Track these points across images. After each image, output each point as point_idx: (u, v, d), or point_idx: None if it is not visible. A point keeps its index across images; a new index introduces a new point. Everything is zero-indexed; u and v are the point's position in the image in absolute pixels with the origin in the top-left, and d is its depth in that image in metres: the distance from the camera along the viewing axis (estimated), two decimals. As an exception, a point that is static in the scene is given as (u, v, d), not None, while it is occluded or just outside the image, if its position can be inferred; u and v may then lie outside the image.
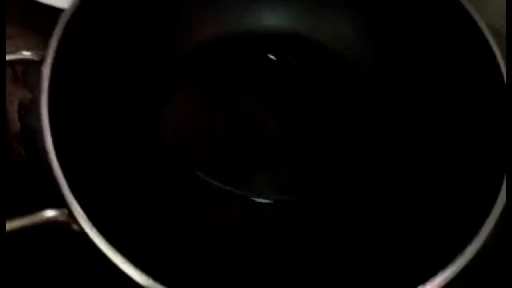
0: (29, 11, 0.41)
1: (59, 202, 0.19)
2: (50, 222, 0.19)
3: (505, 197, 0.23)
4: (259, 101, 0.37)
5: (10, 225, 0.18)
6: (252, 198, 0.31)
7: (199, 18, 0.36)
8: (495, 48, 0.27)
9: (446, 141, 0.31)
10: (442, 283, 0.20)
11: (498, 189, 0.23)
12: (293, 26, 0.38)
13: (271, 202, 0.31)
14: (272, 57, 0.39)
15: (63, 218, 0.19)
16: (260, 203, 0.31)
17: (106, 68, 0.29)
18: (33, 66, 0.39)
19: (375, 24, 0.36)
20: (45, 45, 0.41)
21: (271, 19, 0.38)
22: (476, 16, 0.27)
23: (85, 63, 0.27)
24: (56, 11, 0.39)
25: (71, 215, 0.18)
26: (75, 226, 0.18)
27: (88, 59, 0.28)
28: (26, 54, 0.38)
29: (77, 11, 0.25)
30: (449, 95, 0.32)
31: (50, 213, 0.19)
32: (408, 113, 0.34)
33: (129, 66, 0.31)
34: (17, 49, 0.40)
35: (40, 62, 0.39)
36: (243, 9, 0.37)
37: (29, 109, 0.37)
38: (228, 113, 0.37)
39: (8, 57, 0.38)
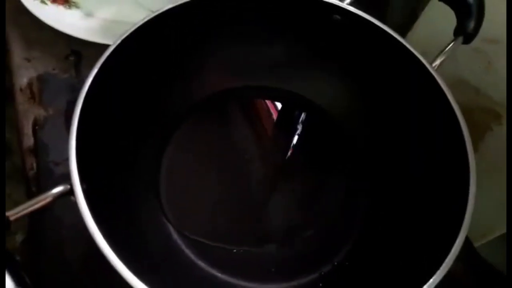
0: (50, 38, 0.45)
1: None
2: (59, 194, 0.25)
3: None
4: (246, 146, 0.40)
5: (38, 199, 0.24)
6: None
7: (208, 74, 0.40)
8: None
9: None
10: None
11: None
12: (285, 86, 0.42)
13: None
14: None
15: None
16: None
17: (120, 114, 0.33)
18: (49, 87, 0.44)
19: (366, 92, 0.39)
20: (61, 68, 0.46)
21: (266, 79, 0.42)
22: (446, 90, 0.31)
23: (104, 110, 0.31)
24: (73, 40, 0.44)
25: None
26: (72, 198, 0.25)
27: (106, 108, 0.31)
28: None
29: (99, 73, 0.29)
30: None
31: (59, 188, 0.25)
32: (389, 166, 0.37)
33: (140, 113, 0.36)
34: (36, 71, 0.44)
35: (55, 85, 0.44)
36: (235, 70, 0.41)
37: (43, 125, 0.41)
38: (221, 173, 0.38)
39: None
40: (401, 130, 0.36)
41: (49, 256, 0.33)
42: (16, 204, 0.24)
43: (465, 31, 0.34)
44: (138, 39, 0.32)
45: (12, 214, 0.23)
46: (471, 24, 0.33)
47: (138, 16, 0.33)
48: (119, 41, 0.31)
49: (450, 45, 0.34)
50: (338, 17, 0.36)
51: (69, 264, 0.33)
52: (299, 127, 0.42)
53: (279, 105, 0.43)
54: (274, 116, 0.43)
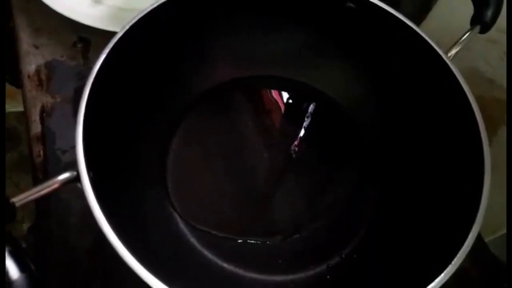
0: (58, 25, 0.45)
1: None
2: (66, 181, 0.25)
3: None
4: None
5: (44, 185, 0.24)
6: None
7: (217, 63, 0.40)
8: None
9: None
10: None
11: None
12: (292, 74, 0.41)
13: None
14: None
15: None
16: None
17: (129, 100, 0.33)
18: (57, 74, 0.44)
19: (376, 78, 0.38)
20: (69, 55, 0.45)
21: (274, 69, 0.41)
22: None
23: (112, 98, 0.31)
24: (81, 27, 0.43)
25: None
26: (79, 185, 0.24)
27: (115, 96, 0.31)
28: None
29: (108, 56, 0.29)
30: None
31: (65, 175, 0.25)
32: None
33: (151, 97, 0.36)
34: (44, 58, 0.44)
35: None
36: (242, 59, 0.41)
37: (51, 113, 0.40)
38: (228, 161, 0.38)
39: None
40: (414, 122, 0.35)
41: (55, 243, 0.33)
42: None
43: (483, 20, 0.33)
44: (145, 26, 0.32)
45: (18, 200, 0.23)
46: (489, 13, 0.33)
47: (146, 3, 0.32)
48: (126, 28, 0.31)
49: (467, 34, 0.33)
50: (351, 4, 0.35)
51: (76, 251, 0.33)
52: (308, 117, 0.41)
53: (287, 95, 0.42)
54: (283, 106, 0.42)
